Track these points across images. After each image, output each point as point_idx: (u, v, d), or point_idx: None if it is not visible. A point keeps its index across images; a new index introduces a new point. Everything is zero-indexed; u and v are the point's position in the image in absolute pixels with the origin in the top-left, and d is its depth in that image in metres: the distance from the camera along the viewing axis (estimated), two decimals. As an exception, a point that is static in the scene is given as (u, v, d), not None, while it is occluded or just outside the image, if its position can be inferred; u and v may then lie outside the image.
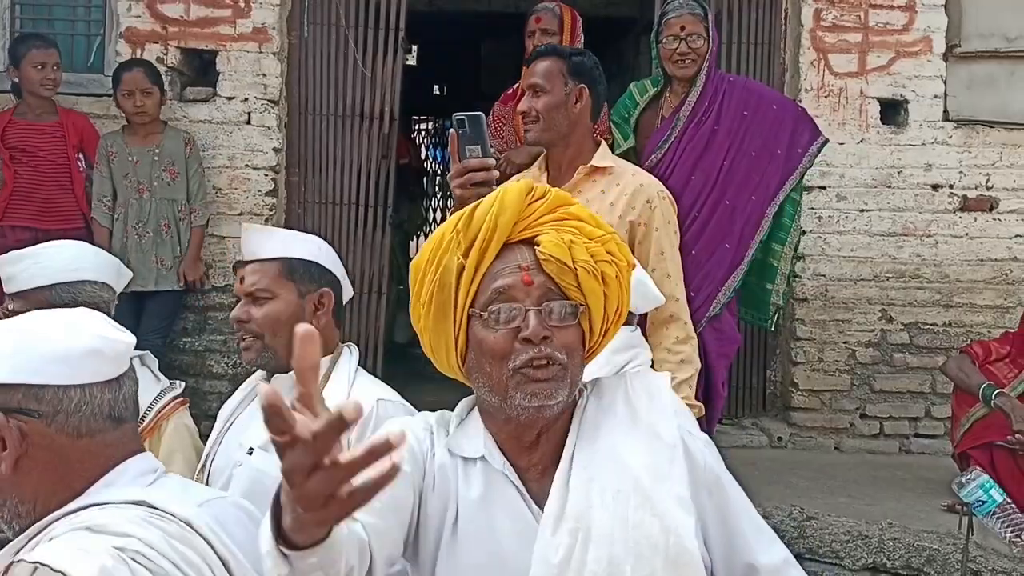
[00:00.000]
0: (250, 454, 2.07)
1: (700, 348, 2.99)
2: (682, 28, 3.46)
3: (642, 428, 1.45)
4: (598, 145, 2.95)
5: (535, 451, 1.45)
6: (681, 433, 1.45)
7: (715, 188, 3.44)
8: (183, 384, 2.45)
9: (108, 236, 4.45)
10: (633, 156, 3.55)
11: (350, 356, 2.18)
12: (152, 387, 2.34)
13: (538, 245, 1.42)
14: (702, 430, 1.59)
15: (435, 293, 1.43)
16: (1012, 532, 3.23)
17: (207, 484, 2.13)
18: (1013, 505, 3.27)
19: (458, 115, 2.17)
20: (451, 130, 2.19)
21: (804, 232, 4.82)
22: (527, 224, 1.44)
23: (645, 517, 1.36)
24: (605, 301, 1.44)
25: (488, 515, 1.41)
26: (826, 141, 3.61)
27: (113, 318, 5.01)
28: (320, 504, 0.97)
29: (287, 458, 0.96)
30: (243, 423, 2.17)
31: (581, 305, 1.42)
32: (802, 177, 3.57)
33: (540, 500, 1.42)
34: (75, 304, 2.18)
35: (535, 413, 1.39)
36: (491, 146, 2.37)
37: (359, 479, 0.94)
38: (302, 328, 0.96)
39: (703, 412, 2.91)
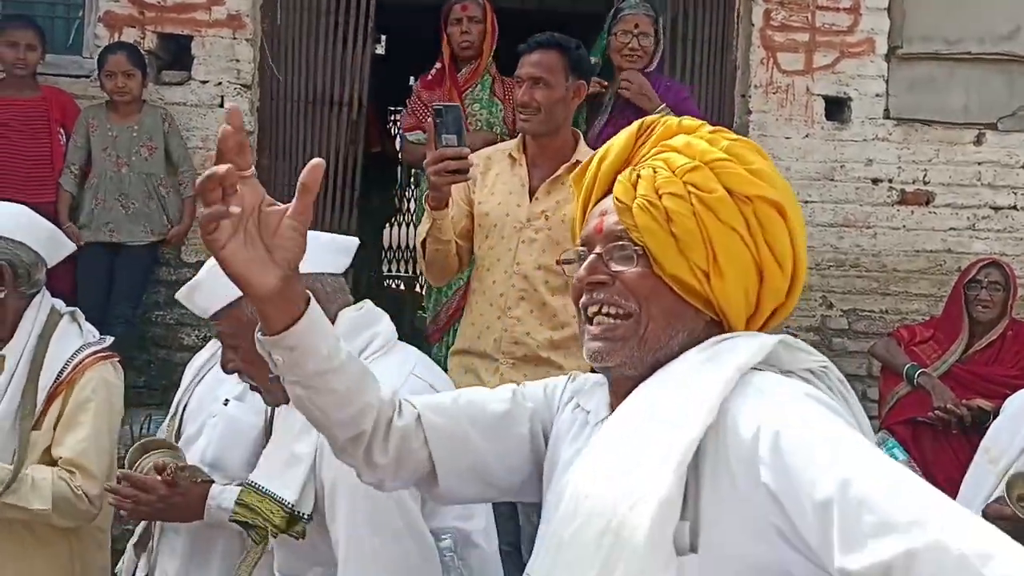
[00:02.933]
0: (226, 404, 2.29)
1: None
2: (636, 26, 3.75)
3: (672, 382, 1.16)
4: (576, 138, 2.99)
5: None
6: (740, 387, 1.10)
7: None
8: (110, 339, 2.44)
9: (69, 199, 4.60)
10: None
11: None
12: (75, 342, 2.36)
13: None
14: None
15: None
16: None
17: (179, 431, 2.35)
18: (915, 466, 3.55)
19: (436, 105, 2.39)
20: (429, 119, 2.40)
21: (751, 221, 5.08)
22: (629, 166, 1.29)
23: (601, 487, 1.12)
24: (677, 243, 1.18)
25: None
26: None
27: (83, 280, 4.94)
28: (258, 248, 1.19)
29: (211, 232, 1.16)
30: (214, 378, 2.36)
31: (637, 246, 1.20)
32: None
33: None
34: None
35: (604, 372, 1.25)
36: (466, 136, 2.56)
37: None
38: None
39: None
